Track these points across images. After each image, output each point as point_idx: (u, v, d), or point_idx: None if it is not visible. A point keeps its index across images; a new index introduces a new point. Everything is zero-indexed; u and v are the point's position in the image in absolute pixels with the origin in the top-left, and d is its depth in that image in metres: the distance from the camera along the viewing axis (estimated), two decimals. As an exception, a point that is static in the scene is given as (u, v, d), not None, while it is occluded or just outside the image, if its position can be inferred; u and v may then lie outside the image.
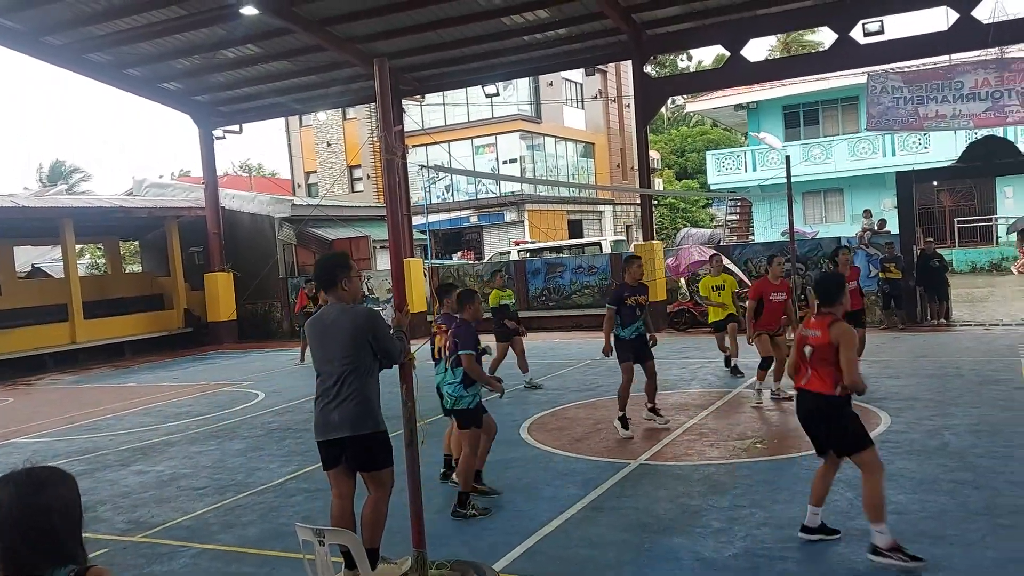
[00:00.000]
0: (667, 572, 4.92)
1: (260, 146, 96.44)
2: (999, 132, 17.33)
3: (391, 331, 4.61)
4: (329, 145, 38.19)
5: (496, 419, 9.51)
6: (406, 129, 20.87)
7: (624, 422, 8.25)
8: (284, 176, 43.96)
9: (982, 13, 14.74)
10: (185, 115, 22.44)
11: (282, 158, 41.94)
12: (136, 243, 28.26)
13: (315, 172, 39.20)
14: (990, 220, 28.94)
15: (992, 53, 18.56)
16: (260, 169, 57.91)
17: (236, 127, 22.89)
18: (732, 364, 11.71)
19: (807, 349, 5.06)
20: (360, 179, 37.85)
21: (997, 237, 28.70)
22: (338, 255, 5.00)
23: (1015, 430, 7.56)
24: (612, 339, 8.40)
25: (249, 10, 16.10)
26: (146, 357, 20.41)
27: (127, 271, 28.65)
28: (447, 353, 6.40)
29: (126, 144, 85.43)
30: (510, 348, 11.70)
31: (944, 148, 25.37)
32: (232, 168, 54.38)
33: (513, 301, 12.21)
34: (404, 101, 21.39)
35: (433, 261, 27.20)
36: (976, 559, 4.75)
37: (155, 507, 7.11)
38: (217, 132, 22.66)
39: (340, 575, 4.28)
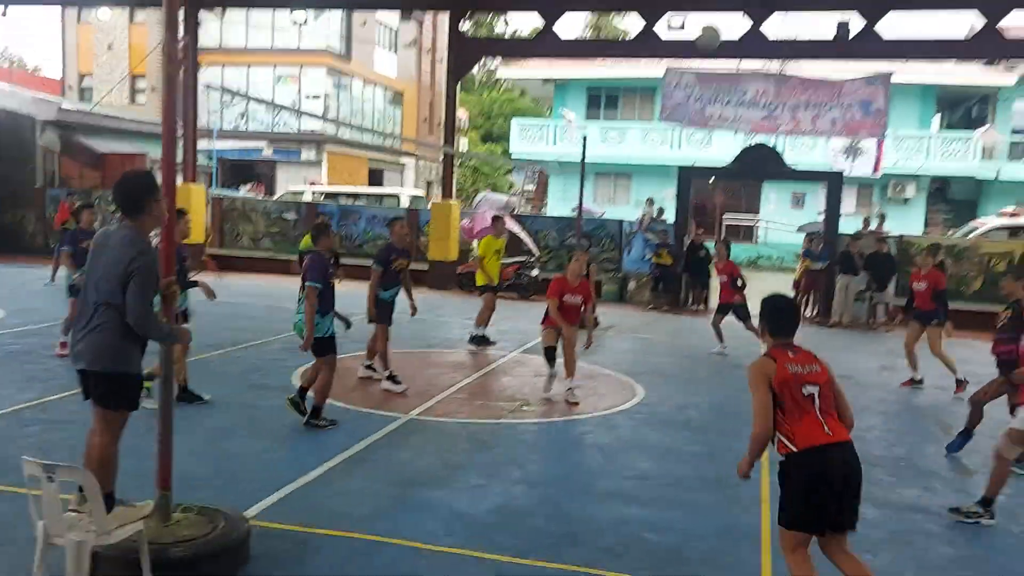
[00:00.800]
0: (420, 523, 4.99)
1: (26, 36, 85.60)
2: (770, 140, 19.00)
3: (153, 291, 4.14)
4: (111, 48, 34.63)
5: (268, 366, 9.23)
6: (202, 44, 19.36)
7: (394, 378, 8.24)
8: (53, 75, 39.40)
9: (771, 29, 16.00)
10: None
11: (53, 54, 37.45)
12: None
13: (91, 75, 35.45)
14: (753, 220, 31.84)
15: (774, 68, 20.27)
16: (21, 63, 51.52)
17: (-1, 8, 20.10)
18: (482, 332, 11.10)
19: (808, 390, 3.82)
20: (143, 91, 34.72)
21: (757, 237, 31.64)
22: (145, 176, 4.39)
23: (749, 411, 8.35)
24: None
25: None
26: None
27: None
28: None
29: None
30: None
31: (724, 147, 27.47)
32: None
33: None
34: (202, 12, 19.77)
35: (218, 190, 25.62)
36: (701, 524, 5.23)
37: None
38: (-25, 11, 19.78)
39: (68, 513, 3.93)
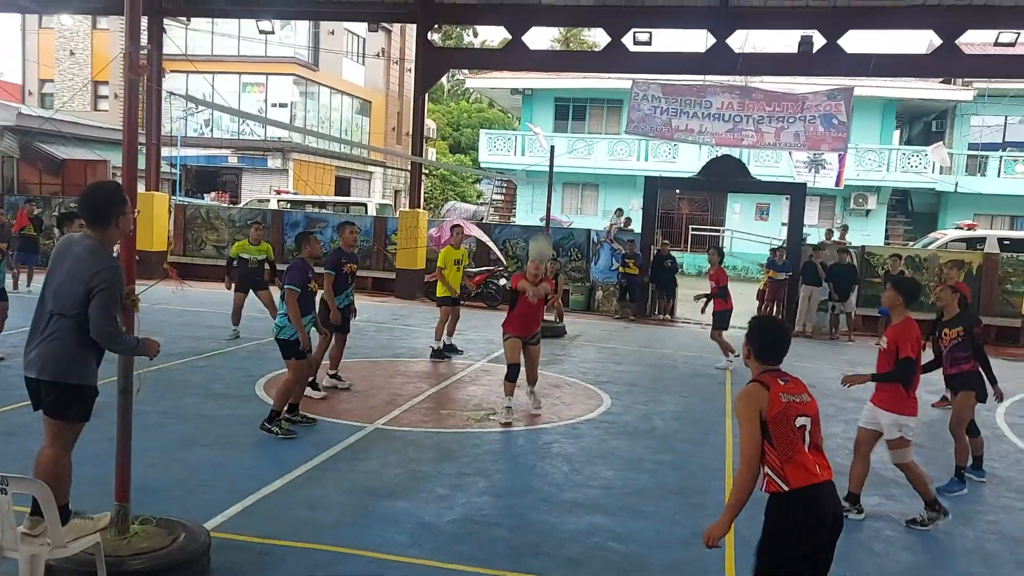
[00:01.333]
0: (385, 534, 4.96)
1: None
2: (735, 153, 19.23)
3: (117, 299, 4.03)
4: (72, 54, 34.14)
5: (230, 375, 9.12)
6: (167, 52, 19.16)
7: (314, 385, 8.11)
8: (12, 80, 38.68)
9: (735, 42, 16.26)
10: None
11: (13, 59, 36.81)
12: None
13: (52, 81, 34.90)
14: (718, 231, 32.18)
15: (739, 81, 20.57)
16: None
17: (-43, 13, 19.75)
18: (441, 346, 10.93)
19: (800, 422, 3.47)
20: (106, 97, 34.21)
21: (722, 247, 31.97)
22: (114, 187, 4.24)
23: (713, 420, 8.47)
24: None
25: None
26: None
27: None
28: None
29: None
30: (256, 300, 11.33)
31: (690, 160, 27.77)
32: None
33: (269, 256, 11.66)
34: (167, 21, 19.59)
35: (182, 198, 25.32)
36: (665, 532, 5.25)
37: None
38: (-68, 14, 19.43)
39: (23, 525, 3.84)
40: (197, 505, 5.17)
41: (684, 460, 6.94)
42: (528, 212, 32.32)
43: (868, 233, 28.89)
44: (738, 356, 11.10)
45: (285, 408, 7.00)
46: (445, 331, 10.99)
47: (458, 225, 12.32)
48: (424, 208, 19.53)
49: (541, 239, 9.01)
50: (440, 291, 11.12)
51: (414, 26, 18.97)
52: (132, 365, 4.29)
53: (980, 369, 6.69)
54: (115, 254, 4.30)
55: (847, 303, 15.57)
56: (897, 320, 5.64)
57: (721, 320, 11.54)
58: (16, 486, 3.59)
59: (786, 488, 3.35)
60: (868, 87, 25.47)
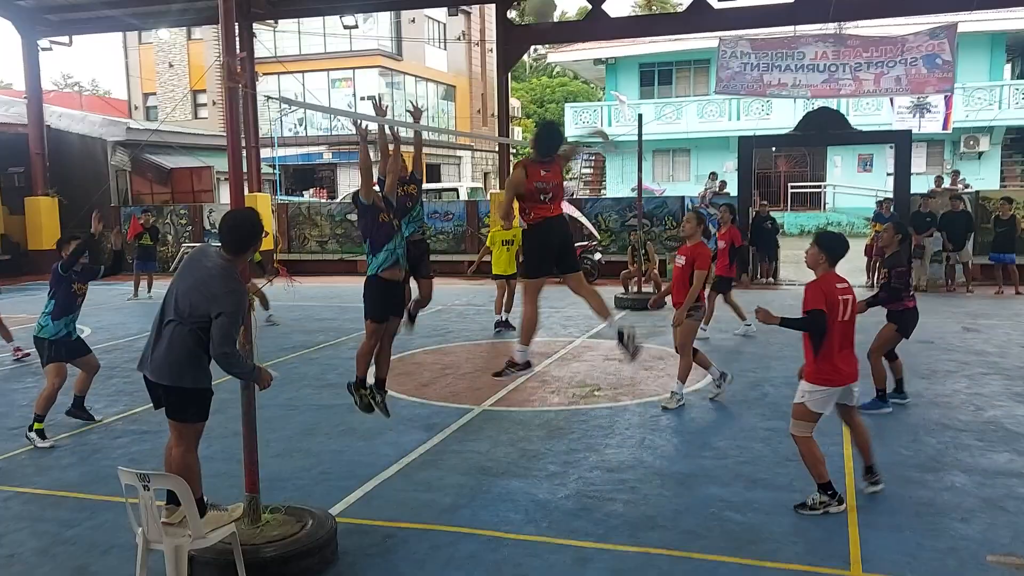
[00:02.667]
0: (502, 513, 5.05)
1: (93, 62, 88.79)
2: (833, 104, 18.46)
3: (239, 323, 4.16)
4: (171, 66, 35.71)
5: (343, 365, 9.42)
6: (258, 55, 19.80)
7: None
8: (119, 96, 40.78)
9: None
10: (6, 21, 20.27)
11: (118, 77, 38.78)
12: (-55, 159, 25.51)
13: (155, 94, 36.61)
14: (819, 187, 31.04)
15: (832, 28, 19.69)
16: (94, 87, 53.47)
17: (65, 38, 20.93)
18: (501, 319, 11.45)
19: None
20: (205, 104, 35.69)
21: (825, 203, 30.84)
22: (255, 217, 4.32)
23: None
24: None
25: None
26: (-45, 285, 18.64)
27: (-66, 189, 25.86)
28: None
29: (-65, 47, 76.38)
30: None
31: (784, 116, 26.85)
32: (61, 84, 49.91)
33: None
34: (256, 26, 20.21)
35: (282, 197, 26.21)
36: (783, 501, 5.15)
37: (-40, 449, 6.57)
38: (43, 43, 20.62)
39: (162, 514, 4.10)
40: (321, 492, 5.39)
41: (798, 426, 6.78)
42: (619, 183, 31.98)
43: (982, 177, 27.29)
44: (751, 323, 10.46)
45: (368, 378, 6.10)
46: (503, 307, 11.45)
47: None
48: (515, 188, 19.57)
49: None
50: (493, 268, 11.64)
51: (493, 6, 18.94)
52: (253, 359, 4.48)
53: None
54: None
55: (962, 252, 14.81)
56: (817, 276, 5.11)
57: (726, 284, 10.72)
58: (156, 482, 3.83)
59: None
60: (973, 22, 23.90)
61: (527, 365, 5.94)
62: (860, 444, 5.32)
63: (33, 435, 6.58)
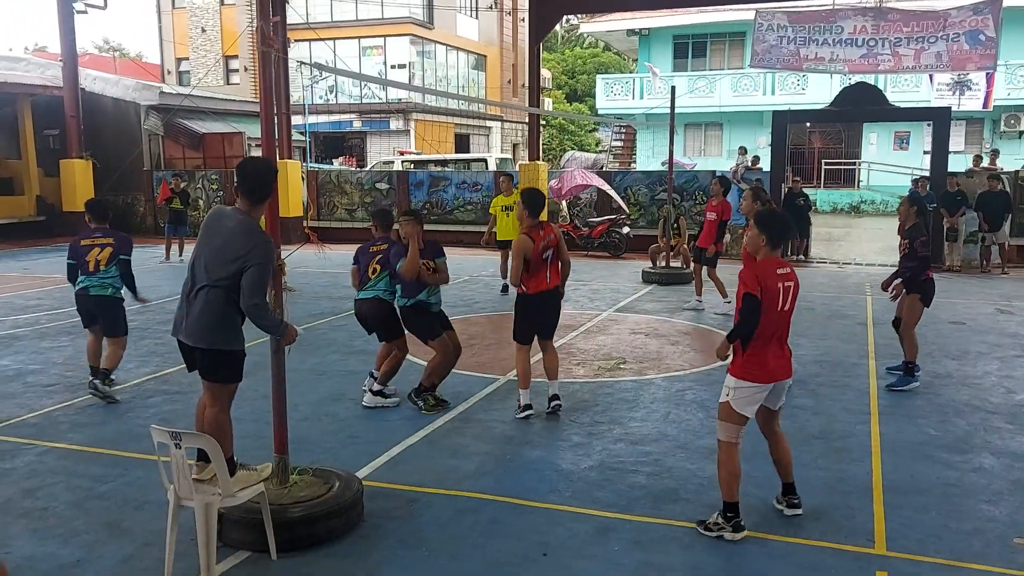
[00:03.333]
0: (525, 481, 5.09)
1: (127, 26, 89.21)
2: (871, 80, 18.11)
3: (269, 273, 4.22)
4: (204, 31, 35.79)
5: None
6: (289, 22, 19.76)
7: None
8: (152, 60, 40.99)
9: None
10: (41, -17, 20.40)
11: (151, 41, 38.97)
12: (-18, 120, 25.86)
13: (187, 59, 36.74)
14: (854, 164, 30.55)
15: (872, 2, 19.24)
16: (124, 52, 53.77)
17: (100, 1, 21.03)
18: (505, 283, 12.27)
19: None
20: (237, 71, 35.78)
21: (859, 180, 30.37)
22: (269, 163, 4.40)
23: (854, 362, 8.16)
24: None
25: None
26: (-8, 245, 18.99)
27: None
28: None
29: (-28, 9, 77.07)
30: None
31: (820, 91, 26.38)
32: (95, 47, 50.23)
33: None
34: (288, -9, 20.15)
35: (312, 164, 26.28)
36: (808, 478, 5.14)
37: (-2, 404, 6.73)
38: (78, 5, 20.73)
39: (192, 470, 4.18)
40: (348, 456, 5.47)
41: (825, 404, 6.75)
42: (649, 157, 31.69)
43: (1022, 156, 26.68)
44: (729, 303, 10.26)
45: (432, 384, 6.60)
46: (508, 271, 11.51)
47: (506, 174, 13.35)
48: (543, 159, 19.49)
49: None
50: (498, 235, 12.35)
51: (526, -25, 18.76)
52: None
53: None
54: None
55: (999, 233, 14.54)
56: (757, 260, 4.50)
57: (712, 258, 10.67)
58: (188, 441, 3.91)
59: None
60: (1020, -4, 23.27)
61: (529, 407, 6.37)
62: (780, 459, 4.64)
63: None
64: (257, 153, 25.22)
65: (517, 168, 20.29)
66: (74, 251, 6.88)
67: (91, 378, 6.87)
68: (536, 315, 6.39)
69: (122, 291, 7.01)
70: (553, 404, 6.38)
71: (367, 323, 6.77)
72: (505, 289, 12.16)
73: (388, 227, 6.79)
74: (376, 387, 6.66)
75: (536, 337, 6.44)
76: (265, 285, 4.18)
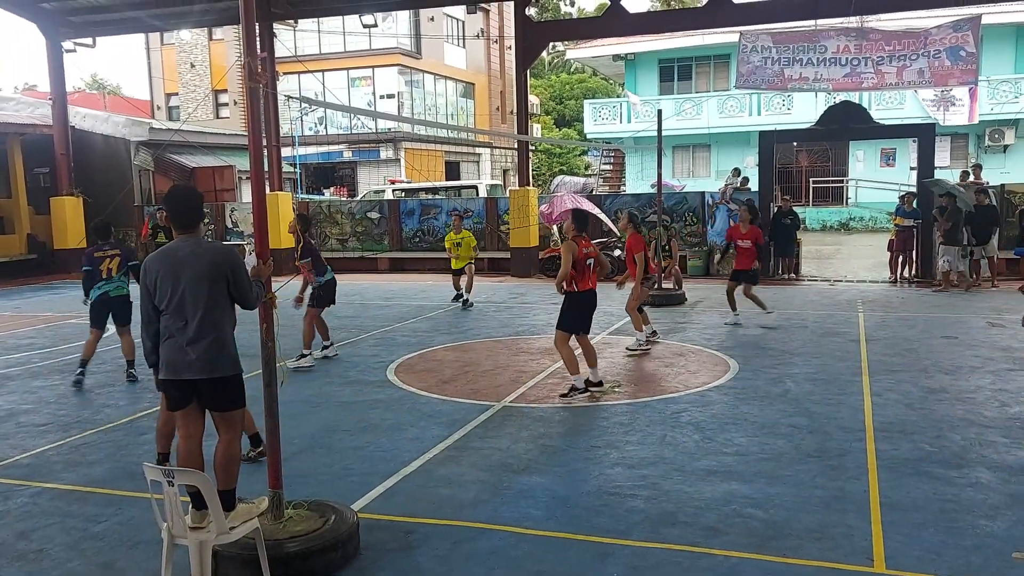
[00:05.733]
0: (522, 509, 5.06)
1: (116, 63, 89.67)
2: (855, 98, 18.30)
3: (250, 278, 4.46)
4: (193, 67, 36.02)
5: (364, 362, 9.49)
6: (278, 55, 19.92)
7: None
8: (142, 96, 41.16)
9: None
10: (30, 23, 20.53)
11: (141, 77, 39.16)
12: (-28, 160, 25.86)
13: (177, 94, 36.94)
14: (842, 181, 30.77)
15: (854, 22, 19.50)
16: (117, 88, 53.98)
17: (89, 40, 21.17)
18: (461, 298, 13.69)
19: (588, 261, 7.85)
20: (226, 104, 35.98)
21: (847, 198, 30.58)
22: (196, 191, 4.70)
23: (848, 379, 8.17)
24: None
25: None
26: (-17, 285, 18.92)
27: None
28: None
29: (-39, 50, 77.50)
30: None
31: (805, 110, 26.62)
32: (85, 85, 50.43)
33: None
34: (276, 25, 20.33)
35: (303, 195, 26.36)
36: (805, 497, 5.13)
37: (-10, 445, 6.68)
38: (67, 44, 20.87)
39: (188, 515, 4.14)
40: (343, 488, 5.43)
41: (821, 422, 6.74)
42: (638, 179, 31.88)
43: (1007, 170, 26.95)
44: (740, 316, 11.37)
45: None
46: (461, 287, 13.82)
47: (457, 210, 15.72)
48: (533, 184, 19.58)
49: None
50: (455, 264, 13.99)
51: (511, 3, 18.94)
52: (275, 359, 4.51)
53: None
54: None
55: (987, 247, 14.63)
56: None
57: (737, 277, 11.52)
58: (180, 478, 3.88)
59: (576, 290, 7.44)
60: (997, 13, 23.60)
61: (584, 389, 7.71)
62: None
63: None
64: (248, 185, 25.26)
65: (508, 194, 20.37)
66: (90, 259, 8.63)
67: (79, 368, 8.61)
68: (585, 307, 7.83)
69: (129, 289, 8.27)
70: (593, 389, 7.66)
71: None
72: (457, 298, 13.73)
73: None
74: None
75: (577, 333, 7.85)
76: (248, 280, 4.41)
